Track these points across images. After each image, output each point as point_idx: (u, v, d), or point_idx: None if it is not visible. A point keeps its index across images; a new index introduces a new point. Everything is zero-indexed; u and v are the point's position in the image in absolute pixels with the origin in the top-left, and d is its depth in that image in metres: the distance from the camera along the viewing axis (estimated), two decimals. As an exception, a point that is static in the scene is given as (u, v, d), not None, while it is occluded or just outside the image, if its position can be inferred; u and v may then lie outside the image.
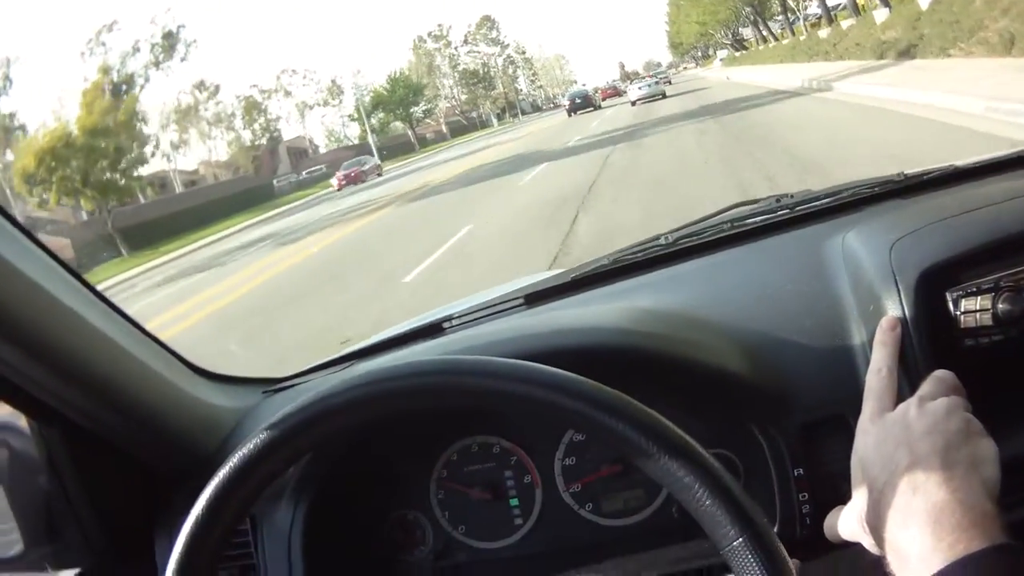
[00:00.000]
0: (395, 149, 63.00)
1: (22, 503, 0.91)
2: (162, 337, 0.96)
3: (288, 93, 62.94)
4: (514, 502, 0.94)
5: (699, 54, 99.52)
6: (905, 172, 1.12)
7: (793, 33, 32.80)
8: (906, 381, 0.72)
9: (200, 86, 52.40)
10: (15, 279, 0.74)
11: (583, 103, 42.97)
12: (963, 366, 0.69)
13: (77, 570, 0.92)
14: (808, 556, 0.68)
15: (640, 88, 32.81)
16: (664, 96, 30.57)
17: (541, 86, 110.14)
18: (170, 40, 41.13)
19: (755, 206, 1.18)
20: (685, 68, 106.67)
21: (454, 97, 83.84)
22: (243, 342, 6.70)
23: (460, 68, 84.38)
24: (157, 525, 0.96)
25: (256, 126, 57.01)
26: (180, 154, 51.00)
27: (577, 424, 0.61)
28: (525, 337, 0.91)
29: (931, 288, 0.76)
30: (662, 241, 1.15)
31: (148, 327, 0.94)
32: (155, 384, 0.91)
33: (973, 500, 0.55)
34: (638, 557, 0.86)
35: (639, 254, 1.14)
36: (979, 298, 0.74)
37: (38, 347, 0.78)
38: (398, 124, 70.51)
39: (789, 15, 38.46)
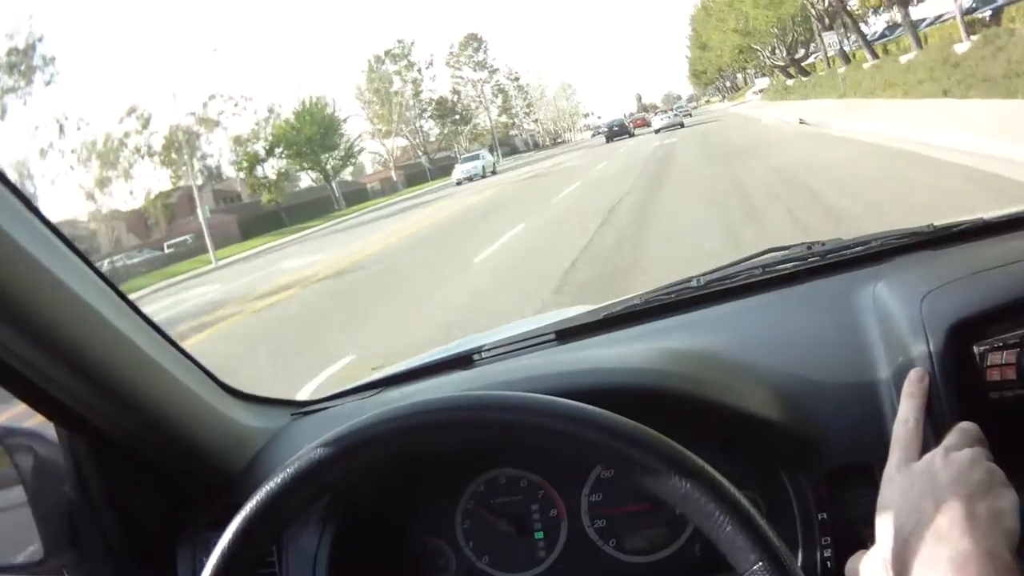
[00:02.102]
0: (305, 210, 46.22)
1: (45, 510, 0.95)
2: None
3: (216, 124, 48.84)
4: (539, 535, 0.99)
5: (726, 84, 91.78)
6: (934, 224, 1.19)
7: (919, 43, 19.46)
8: (932, 431, 0.77)
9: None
10: (52, 286, 0.79)
11: (619, 131, 49.91)
12: (988, 418, 0.75)
13: None
14: None
15: (662, 119, 42.44)
16: (682, 126, 38.59)
17: (537, 119, 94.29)
18: (23, 59, 31.86)
19: (786, 252, 1.25)
20: (707, 102, 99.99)
21: (419, 133, 69.29)
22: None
23: (424, 96, 69.26)
24: (180, 539, 1.02)
25: (181, 165, 44.48)
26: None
27: (602, 456, 0.66)
28: (559, 375, 0.98)
29: (959, 341, 0.82)
30: (693, 283, 1.22)
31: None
32: (185, 399, 0.97)
33: (996, 550, 0.61)
34: None
35: (671, 295, 1.21)
36: (1004, 352, 0.81)
37: (71, 355, 0.82)
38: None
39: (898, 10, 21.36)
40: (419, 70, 68.93)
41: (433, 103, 70.80)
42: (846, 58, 28.63)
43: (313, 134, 51.35)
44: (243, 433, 1.07)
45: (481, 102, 78.91)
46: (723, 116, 41.09)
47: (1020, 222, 1.15)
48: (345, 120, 56.48)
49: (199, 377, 1.01)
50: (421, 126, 70.13)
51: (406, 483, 1.03)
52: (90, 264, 0.87)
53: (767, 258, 1.25)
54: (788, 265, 1.20)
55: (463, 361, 1.22)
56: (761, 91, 51.84)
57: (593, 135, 76.91)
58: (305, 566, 0.96)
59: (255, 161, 48.51)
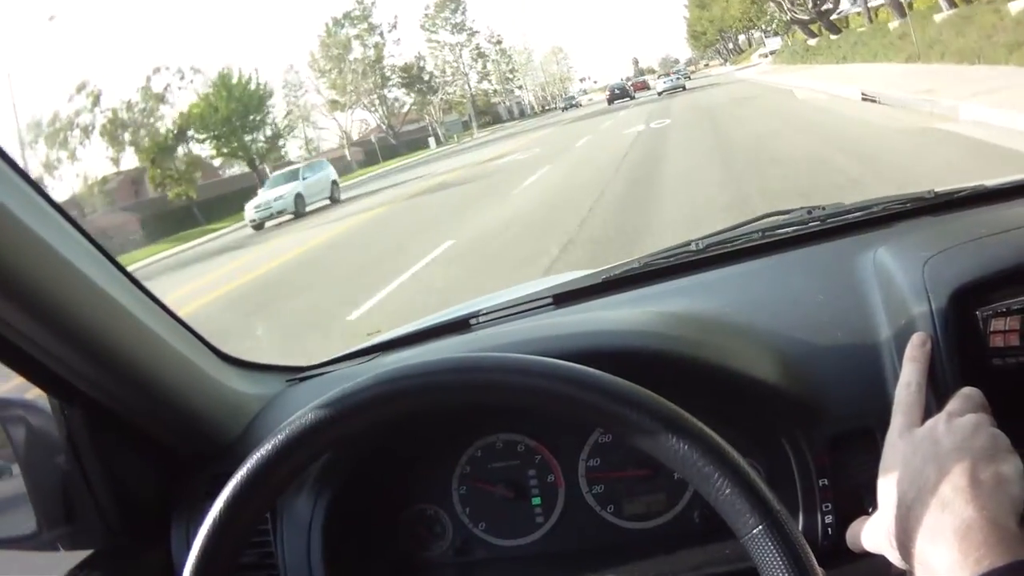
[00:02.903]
0: (231, 203, 34.60)
1: (38, 482, 0.98)
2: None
3: (162, 99, 42.23)
4: (536, 501, 1.03)
5: (728, 46, 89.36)
6: (935, 190, 1.22)
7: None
8: (934, 397, 0.79)
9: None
10: (45, 255, 0.81)
11: (621, 94, 53.92)
12: (990, 384, 0.77)
13: (90, 552, 1.00)
14: (828, 565, 0.74)
15: (664, 83, 46.07)
16: (684, 88, 40.93)
17: (521, 86, 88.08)
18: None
19: (786, 217, 1.28)
20: (706, 65, 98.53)
21: (383, 103, 62.41)
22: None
23: (389, 63, 62.37)
24: (174, 510, 1.05)
25: (123, 146, 39.57)
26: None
27: (600, 418, 0.67)
28: (556, 337, 1.00)
29: (962, 306, 0.84)
30: (693, 247, 1.25)
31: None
32: (180, 367, 1.00)
33: (1000, 518, 0.62)
34: (657, 560, 0.95)
35: (670, 259, 1.24)
36: (1008, 318, 0.83)
37: (65, 325, 0.85)
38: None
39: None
40: (381, 33, 62.53)
41: (397, 70, 63.91)
42: (900, 9, 21.15)
43: (231, 113, 43.03)
44: (237, 400, 1.09)
45: (459, 68, 72.64)
46: (730, 82, 35.60)
47: (1021, 189, 1.18)
48: (272, 95, 46.95)
49: (193, 344, 1.04)
50: (385, 96, 62.99)
51: (401, 449, 1.04)
52: (83, 231, 0.89)
53: (767, 222, 1.27)
54: (788, 229, 1.22)
55: (460, 326, 1.26)
56: (772, 53, 45.45)
57: (564, 108, 68.53)
58: (300, 534, 0.98)
59: (161, 148, 39.58)
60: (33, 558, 1.01)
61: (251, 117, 44.91)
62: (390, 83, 63.83)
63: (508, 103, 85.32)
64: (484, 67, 77.72)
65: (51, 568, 1.01)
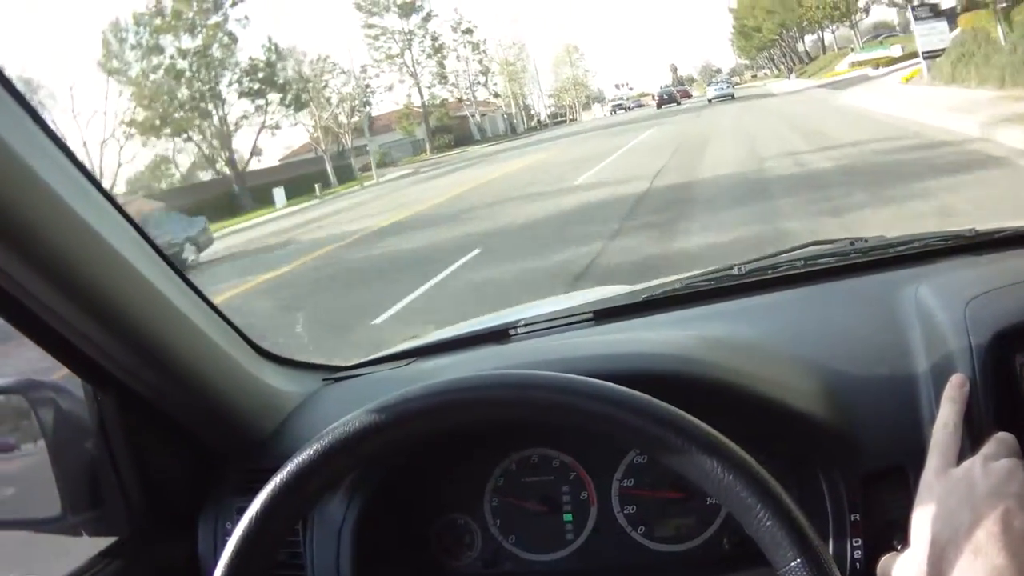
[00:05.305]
0: None
1: (65, 466, 1.20)
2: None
3: None
4: (568, 517, 1.24)
5: (787, 50, 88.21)
6: (976, 228, 1.47)
7: None
8: (968, 439, 0.96)
9: None
10: (91, 242, 0.99)
11: (669, 99, 69.59)
12: (1022, 430, 0.93)
13: (115, 539, 1.22)
14: None
15: (714, 90, 59.44)
16: (733, 98, 50.66)
17: (498, 94, 79.77)
18: None
19: (830, 247, 1.55)
20: (754, 76, 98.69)
21: (223, 128, 47.85)
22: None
23: (227, 57, 47.40)
24: (202, 502, 1.27)
25: None
26: None
27: (646, 443, 0.82)
28: (600, 357, 1.23)
29: (1002, 349, 1.02)
30: (735, 271, 1.51)
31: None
32: (218, 359, 1.21)
33: None
34: None
35: (711, 282, 1.50)
36: None
37: (104, 310, 1.04)
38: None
39: None
40: (224, 17, 50.09)
41: (239, 68, 49.22)
42: None
43: None
44: (273, 396, 1.33)
45: (404, 66, 64.01)
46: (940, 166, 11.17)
47: None
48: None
49: (232, 337, 1.25)
50: (225, 119, 47.80)
51: (436, 458, 1.24)
52: (127, 217, 1.06)
53: (809, 251, 1.56)
54: (830, 259, 1.49)
55: (498, 335, 1.53)
56: (930, 55, 24.23)
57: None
58: (330, 536, 1.20)
59: None
60: (56, 541, 1.19)
61: None
62: (230, 90, 49.61)
63: (478, 117, 73.85)
64: (442, 64, 67.89)
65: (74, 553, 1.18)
